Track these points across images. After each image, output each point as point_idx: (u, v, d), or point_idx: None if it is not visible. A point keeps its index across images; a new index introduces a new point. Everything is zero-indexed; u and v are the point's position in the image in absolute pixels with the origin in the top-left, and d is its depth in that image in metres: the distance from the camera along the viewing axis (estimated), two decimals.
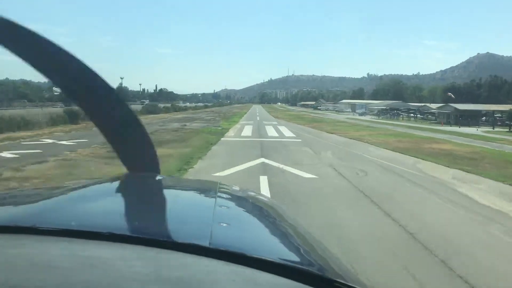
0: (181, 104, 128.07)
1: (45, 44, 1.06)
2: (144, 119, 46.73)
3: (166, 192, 1.23)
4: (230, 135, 27.53)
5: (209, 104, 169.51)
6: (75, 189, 1.19)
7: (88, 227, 0.72)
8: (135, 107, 71.63)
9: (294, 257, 0.79)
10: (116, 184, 1.22)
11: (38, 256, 0.61)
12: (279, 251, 0.80)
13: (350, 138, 26.12)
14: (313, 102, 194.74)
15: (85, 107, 1.21)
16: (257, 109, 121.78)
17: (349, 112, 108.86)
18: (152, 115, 60.28)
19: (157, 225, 0.81)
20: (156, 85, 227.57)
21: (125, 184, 1.21)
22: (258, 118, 56.15)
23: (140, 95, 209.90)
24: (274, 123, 46.14)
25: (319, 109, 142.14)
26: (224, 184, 1.42)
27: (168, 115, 65.63)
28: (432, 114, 69.75)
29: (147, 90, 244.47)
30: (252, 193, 1.47)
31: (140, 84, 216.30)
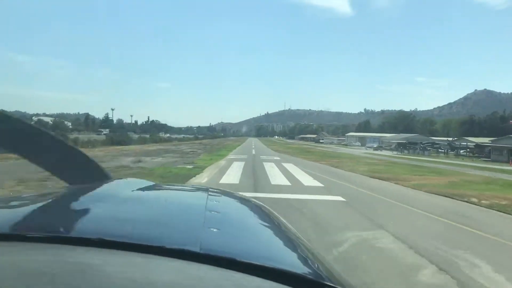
0: (164, 135, 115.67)
1: None
2: (98, 152, 34.65)
3: (156, 197, 1.22)
4: (199, 182, 14.86)
5: (200, 136, 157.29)
6: (63, 194, 1.18)
7: (77, 233, 0.71)
8: (100, 137, 65.36)
9: (284, 261, 0.78)
10: (106, 189, 1.20)
11: (27, 264, 0.61)
12: (269, 255, 0.80)
13: (435, 194, 13.69)
14: (313, 135, 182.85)
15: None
16: (253, 142, 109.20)
17: (359, 146, 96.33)
18: (117, 147, 48.58)
19: (146, 231, 0.80)
20: (148, 116, 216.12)
21: (115, 189, 1.19)
22: (253, 152, 47.73)
23: (131, 126, 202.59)
24: (276, 158, 34.57)
25: (322, 142, 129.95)
26: (215, 189, 1.42)
27: (140, 146, 54.69)
28: (478, 148, 56.58)
29: (141, 121, 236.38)
30: (243, 198, 1.46)
31: (131, 116, 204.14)
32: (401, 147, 69.42)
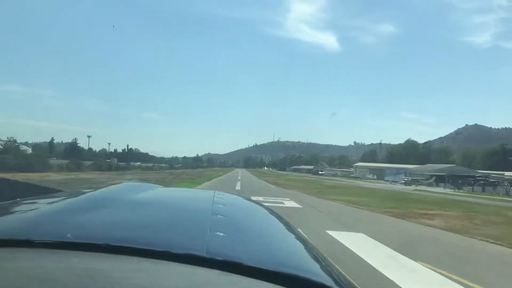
0: (135, 163, 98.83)
1: None
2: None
3: (162, 201, 1.22)
4: None
5: (177, 165, 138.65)
6: (70, 198, 1.18)
7: (84, 238, 0.71)
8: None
9: (291, 265, 0.77)
10: (111, 193, 1.22)
11: (34, 270, 0.60)
12: (276, 259, 0.79)
13: None
14: (309, 167, 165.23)
15: None
16: (240, 173, 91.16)
17: (375, 179, 78.57)
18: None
19: (153, 235, 0.79)
20: (127, 145, 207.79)
21: (121, 193, 1.20)
22: (238, 186, 36.22)
23: (106, 154, 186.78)
24: (286, 199, 21.23)
25: (322, 174, 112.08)
26: (220, 193, 1.43)
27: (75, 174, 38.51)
28: None
29: (118, 149, 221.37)
30: (249, 201, 1.48)
31: (109, 144, 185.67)
32: (448, 181, 51.72)
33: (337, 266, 0.92)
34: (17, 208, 1.06)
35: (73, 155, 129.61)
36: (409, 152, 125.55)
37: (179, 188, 2.11)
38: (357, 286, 0.85)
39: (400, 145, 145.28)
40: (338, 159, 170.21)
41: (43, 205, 1.06)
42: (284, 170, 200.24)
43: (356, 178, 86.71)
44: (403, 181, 60.97)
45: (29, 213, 0.94)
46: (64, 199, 1.17)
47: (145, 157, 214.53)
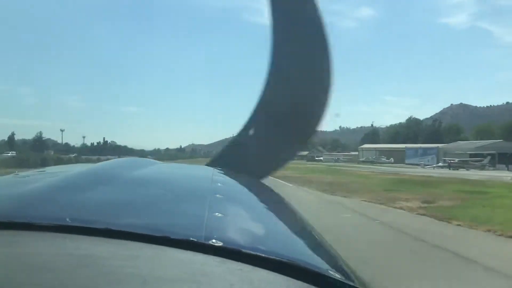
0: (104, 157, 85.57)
1: None
2: None
3: (160, 179, 1.19)
4: None
5: (150, 157, 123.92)
6: (70, 175, 1.15)
7: (83, 222, 0.71)
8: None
9: (292, 253, 0.75)
10: (110, 169, 1.19)
11: (33, 256, 0.59)
12: (277, 245, 0.77)
13: None
14: (303, 153, 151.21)
15: None
16: None
17: (391, 162, 64.76)
18: None
19: (152, 219, 0.78)
20: (103, 137, 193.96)
21: (120, 170, 1.17)
22: None
23: (77, 149, 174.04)
24: None
25: (318, 160, 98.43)
26: (221, 170, 1.40)
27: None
28: None
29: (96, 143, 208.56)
30: (250, 180, 1.43)
31: (83, 137, 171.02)
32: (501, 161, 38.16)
33: (338, 252, 0.90)
34: (14, 185, 1.03)
35: (38, 150, 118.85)
36: (415, 130, 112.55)
37: (178, 164, 2.06)
38: (361, 277, 0.82)
39: (400, 124, 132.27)
40: (330, 144, 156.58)
41: (41, 183, 1.02)
42: None
43: (368, 162, 72.18)
44: (443, 164, 46.96)
45: (28, 192, 0.91)
46: (63, 175, 1.13)
47: (123, 150, 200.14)
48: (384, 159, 73.92)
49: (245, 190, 1.28)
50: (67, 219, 0.69)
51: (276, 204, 1.14)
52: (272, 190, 1.33)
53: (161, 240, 0.66)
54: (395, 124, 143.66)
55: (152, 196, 0.95)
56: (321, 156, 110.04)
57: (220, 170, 1.34)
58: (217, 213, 0.81)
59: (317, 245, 0.86)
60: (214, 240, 0.67)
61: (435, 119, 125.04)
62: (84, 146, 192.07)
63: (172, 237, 0.67)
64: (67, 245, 0.63)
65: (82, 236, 0.66)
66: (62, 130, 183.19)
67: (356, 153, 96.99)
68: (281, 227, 0.95)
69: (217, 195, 0.98)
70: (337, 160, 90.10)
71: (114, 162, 1.25)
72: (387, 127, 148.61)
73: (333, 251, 0.88)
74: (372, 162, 71.81)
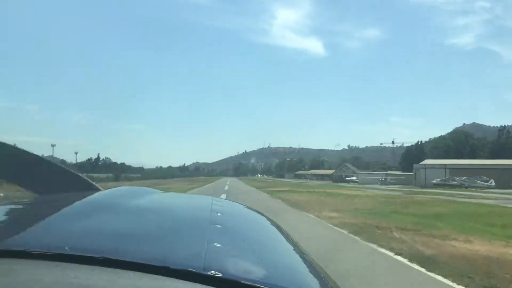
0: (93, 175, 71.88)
1: None
2: None
3: (159, 208, 1.20)
4: None
5: (135, 176, 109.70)
6: (67, 203, 1.15)
7: (81, 251, 0.70)
8: None
9: (291, 284, 0.76)
10: (109, 198, 1.20)
11: (31, 285, 0.60)
12: (276, 276, 0.77)
13: None
14: (324, 171, 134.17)
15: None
16: (228, 184, 61.33)
17: (487, 185, 49.46)
18: None
19: (151, 248, 0.77)
20: (98, 154, 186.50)
21: (118, 199, 1.18)
22: None
23: (71, 165, 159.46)
24: None
25: (350, 180, 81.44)
26: (219, 199, 1.42)
27: None
28: None
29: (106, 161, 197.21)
30: (249, 209, 1.44)
31: (75, 153, 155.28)
32: None
33: (335, 282, 0.92)
34: (14, 213, 1.03)
35: None
36: (472, 144, 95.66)
37: (177, 193, 1.99)
38: None
39: (441, 137, 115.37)
40: (351, 161, 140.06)
41: (40, 211, 1.03)
42: (282, 177, 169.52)
43: (450, 186, 52.13)
44: None
45: (26, 220, 0.90)
46: (62, 203, 1.12)
47: (118, 167, 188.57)
48: (480, 182, 53.88)
49: (245, 220, 1.28)
50: (66, 248, 0.69)
51: (275, 235, 1.14)
52: (271, 220, 1.31)
53: (160, 270, 0.66)
54: (437, 137, 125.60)
55: (151, 226, 0.94)
56: (353, 176, 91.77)
57: (219, 199, 1.33)
58: (216, 244, 0.81)
59: (316, 277, 0.86)
60: (213, 271, 0.66)
61: (501, 128, 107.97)
62: (77, 163, 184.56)
63: (172, 267, 0.66)
64: (65, 274, 0.63)
65: (80, 265, 0.66)
66: (53, 145, 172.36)
67: (410, 173, 74.89)
68: (280, 258, 0.95)
69: (217, 225, 0.98)
70: (384, 182, 70.96)
71: (113, 191, 1.24)
72: (432, 140, 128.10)
73: (332, 283, 0.88)
74: (461, 187, 51.49)
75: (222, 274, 0.66)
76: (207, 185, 54.49)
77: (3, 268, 0.63)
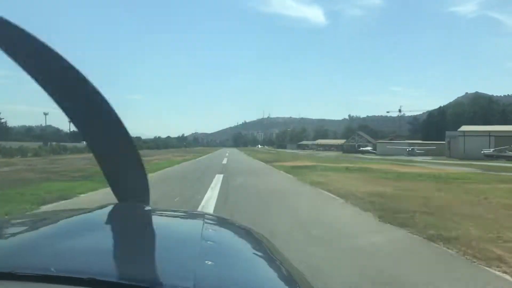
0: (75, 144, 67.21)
1: (44, 50, 1.08)
2: None
3: (150, 225, 1.20)
4: None
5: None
6: (55, 222, 1.14)
7: (68, 272, 0.69)
8: None
9: None
10: (98, 217, 1.18)
11: None
12: None
13: None
14: (332, 141, 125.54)
15: (80, 123, 1.26)
16: (228, 155, 54.75)
17: None
18: None
19: (140, 269, 0.76)
20: None
21: (108, 217, 1.17)
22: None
23: (65, 135, 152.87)
24: None
25: (366, 151, 73.67)
26: (210, 215, 1.43)
27: None
28: None
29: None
30: (241, 227, 1.44)
31: (69, 122, 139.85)
32: None
33: None
34: (0, 231, 1.02)
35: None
36: (487, 110, 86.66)
37: (168, 210, 1.82)
38: None
39: (458, 103, 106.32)
40: (358, 131, 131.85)
41: (27, 229, 1.02)
42: (284, 148, 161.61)
43: None
44: None
45: (12, 239, 0.90)
46: (50, 221, 1.12)
47: None
48: None
49: (236, 236, 1.29)
50: (52, 269, 0.68)
51: (266, 251, 1.13)
52: (263, 237, 1.32)
53: None
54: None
55: (140, 244, 0.93)
56: (368, 146, 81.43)
57: (210, 216, 1.33)
58: (207, 261, 0.81)
59: None
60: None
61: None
62: (72, 132, 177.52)
63: (160, 287, 0.65)
64: None
65: (67, 286, 0.65)
66: (45, 114, 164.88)
67: (440, 142, 64.95)
68: (271, 275, 0.94)
69: (208, 242, 0.98)
70: (412, 153, 61.83)
71: (101, 210, 1.22)
72: (446, 106, 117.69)
73: None
74: None
75: None
76: (202, 157, 46.55)
77: None
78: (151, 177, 14.98)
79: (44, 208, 8.71)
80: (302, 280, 0.95)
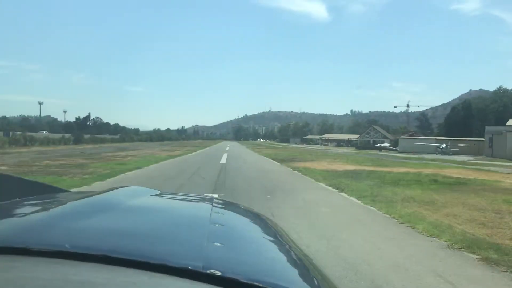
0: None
1: None
2: None
3: (160, 208, 1.22)
4: None
5: (108, 137, 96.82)
6: (68, 202, 1.17)
7: (82, 248, 0.71)
8: None
9: (289, 281, 0.77)
10: (110, 198, 1.22)
11: (31, 281, 0.60)
12: (275, 276, 0.78)
13: None
14: (338, 136, 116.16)
15: None
16: (228, 149, 47.66)
17: None
18: None
19: (150, 246, 0.78)
20: (89, 113, 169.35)
21: (120, 199, 1.19)
22: None
23: (60, 125, 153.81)
24: None
25: (383, 148, 64.34)
26: (220, 199, 1.42)
27: None
28: None
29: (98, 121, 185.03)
30: (249, 210, 1.46)
31: (64, 112, 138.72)
32: None
33: (334, 282, 0.94)
34: (14, 211, 1.05)
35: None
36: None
37: (178, 194, 2.03)
38: None
39: (481, 98, 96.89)
40: (367, 125, 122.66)
41: (41, 209, 1.06)
42: (287, 142, 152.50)
43: None
44: None
45: (27, 217, 0.94)
46: (63, 202, 1.16)
47: (113, 129, 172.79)
48: None
49: (245, 220, 1.32)
50: (66, 245, 0.70)
51: (275, 235, 1.15)
52: (271, 221, 1.34)
53: (159, 268, 0.66)
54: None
55: (151, 225, 0.96)
56: (386, 143, 72.36)
57: (219, 200, 1.34)
58: (216, 243, 0.82)
59: (314, 277, 0.88)
60: (213, 270, 0.67)
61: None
62: (66, 122, 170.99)
63: (170, 265, 0.67)
64: (65, 271, 0.64)
65: (80, 263, 0.66)
66: (40, 103, 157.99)
67: (478, 139, 57.27)
68: (279, 258, 0.96)
69: (217, 225, 0.99)
70: (445, 151, 52.01)
71: (114, 191, 1.28)
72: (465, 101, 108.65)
73: (330, 283, 0.90)
74: None
75: (222, 273, 0.66)
76: (197, 152, 37.57)
77: (4, 265, 0.64)
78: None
79: None
80: (310, 264, 0.95)
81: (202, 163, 22.91)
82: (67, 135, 57.60)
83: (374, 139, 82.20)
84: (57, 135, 58.15)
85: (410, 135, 76.54)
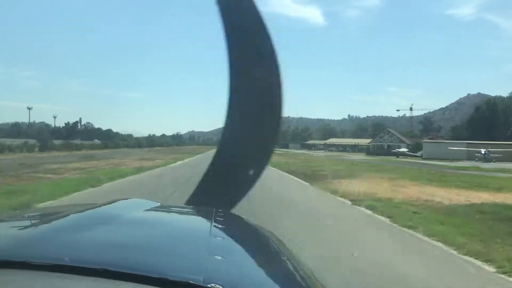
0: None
1: None
2: None
3: (160, 220, 1.22)
4: None
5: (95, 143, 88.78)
6: (68, 215, 1.16)
7: (81, 262, 0.70)
8: None
9: None
10: (111, 211, 1.21)
11: None
12: (274, 287, 0.78)
13: None
14: (344, 140, 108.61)
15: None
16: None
17: None
18: None
19: (151, 260, 0.77)
20: (80, 118, 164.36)
21: (120, 212, 1.18)
22: None
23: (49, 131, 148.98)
24: None
25: (401, 153, 56.43)
26: (220, 211, 1.44)
27: None
28: None
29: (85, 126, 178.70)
30: (249, 223, 1.46)
31: (54, 117, 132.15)
32: None
33: None
34: (14, 224, 1.04)
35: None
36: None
37: (178, 206, 2.05)
38: None
39: (499, 98, 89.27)
40: (370, 130, 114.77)
41: (41, 222, 1.04)
42: (287, 147, 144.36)
43: None
44: None
45: (27, 231, 0.93)
46: (63, 215, 1.14)
47: (105, 134, 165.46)
48: None
49: (246, 233, 1.30)
50: (66, 259, 0.69)
51: (276, 249, 1.14)
52: (271, 233, 1.32)
53: (159, 281, 0.65)
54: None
55: (151, 238, 0.94)
56: (402, 147, 64.95)
57: (220, 212, 1.36)
58: (217, 256, 0.81)
59: (315, 286, 0.86)
60: (213, 283, 0.66)
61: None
62: (55, 127, 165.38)
63: (171, 278, 0.66)
64: (65, 285, 0.63)
65: (80, 276, 0.65)
66: (29, 108, 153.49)
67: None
68: (281, 272, 0.94)
69: (217, 238, 0.98)
70: (487, 158, 44.97)
71: (115, 203, 1.26)
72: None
73: None
74: None
75: (222, 286, 0.65)
76: (183, 161, 28.97)
77: (3, 279, 0.63)
78: None
79: None
80: (310, 277, 0.94)
81: (178, 186, 14.06)
82: (31, 141, 51.03)
83: (389, 143, 73.78)
84: (20, 141, 50.85)
85: (429, 139, 68.23)
